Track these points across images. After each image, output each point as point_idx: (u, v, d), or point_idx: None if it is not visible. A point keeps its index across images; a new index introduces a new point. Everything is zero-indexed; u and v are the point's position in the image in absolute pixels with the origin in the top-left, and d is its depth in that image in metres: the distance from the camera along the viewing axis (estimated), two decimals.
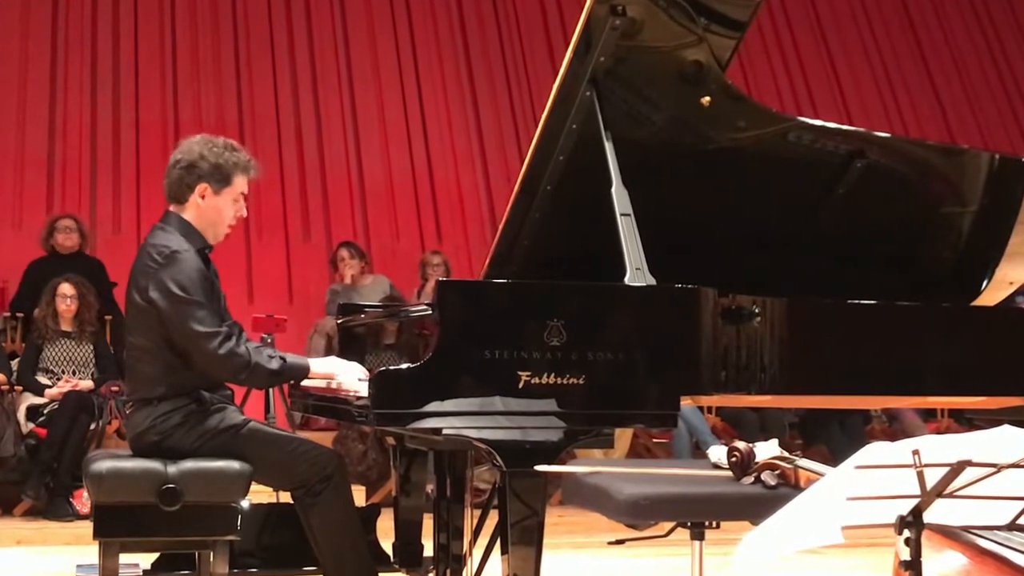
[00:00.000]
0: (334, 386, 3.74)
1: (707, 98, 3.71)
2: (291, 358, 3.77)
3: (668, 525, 3.37)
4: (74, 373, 7.37)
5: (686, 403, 3.40)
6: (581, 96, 3.58)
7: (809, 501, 2.29)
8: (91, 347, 7.47)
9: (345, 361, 3.81)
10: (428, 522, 4.20)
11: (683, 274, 3.34)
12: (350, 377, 3.69)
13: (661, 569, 5.75)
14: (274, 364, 3.69)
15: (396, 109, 10.40)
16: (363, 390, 3.50)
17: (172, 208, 3.87)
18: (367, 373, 3.70)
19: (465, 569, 4.03)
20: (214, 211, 3.83)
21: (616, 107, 3.63)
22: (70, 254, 8.20)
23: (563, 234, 3.81)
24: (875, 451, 2.22)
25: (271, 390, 6.53)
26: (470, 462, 3.97)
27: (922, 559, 2.31)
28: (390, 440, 4.24)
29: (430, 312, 3.35)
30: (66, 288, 7.41)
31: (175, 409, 3.74)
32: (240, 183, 3.85)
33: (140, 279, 3.74)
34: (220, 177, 3.81)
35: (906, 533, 2.30)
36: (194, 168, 3.80)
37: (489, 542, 3.89)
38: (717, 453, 3.48)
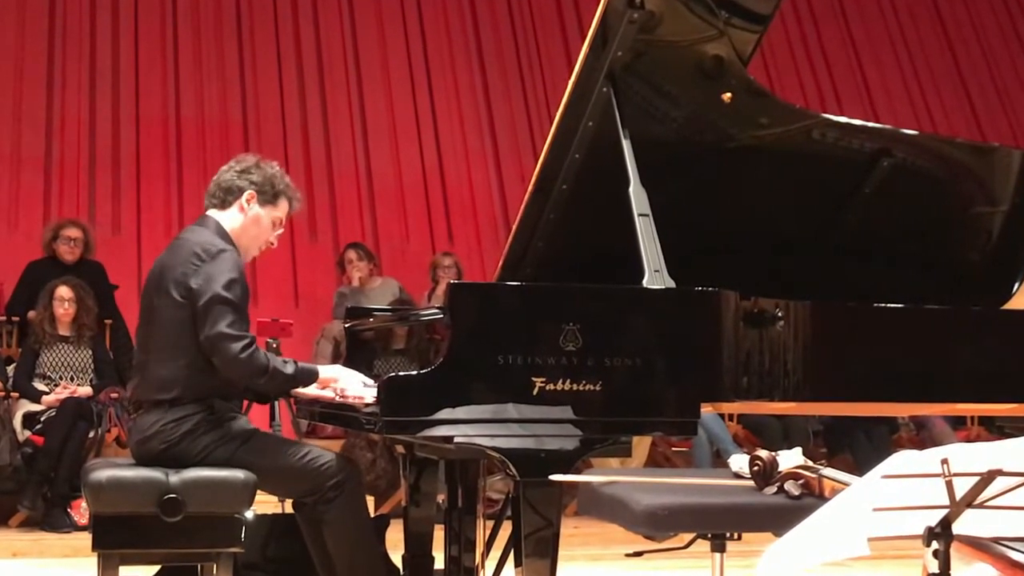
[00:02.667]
0: (338, 389, 3.70)
1: (728, 94, 3.69)
2: (300, 363, 3.77)
3: (688, 536, 3.37)
4: (72, 379, 7.27)
5: (706, 410, 3.35)
6: (598, 92, 3.55)
7: (834, 512, 2.27)
8: (90, 352, 7.38)
9: (347, 369, 3.80)
10: (439, 533, 4.17)
11: (703, 276, 3.31)
12: (354, 383, 3.67)
13: None
14: (289, 368, 3.70)
15: (406, 105, 10.35)
16: (368, 396, 3.49)
17: (210, 212, 3.91)
18: (370, 381, 3.68)
19: None
20: (255, 222, 3.89)
21: (634, 103, 3.60)
22: None
23: (579, 235, 3.78)
24: (902, 460, 2.21)
25: None
26: (482, 471, 3.94)
27: (951, 572, 2.29)
28: (399, 448, 4.24)
29: (441, 316, 3.35)
30: (64, 291, 7.32)
31: (187, 416, 3.71)
32: (283, 208, 3.95)
33: (179, 275, 3.73)
34: (270, 192, 3.90)
35: (934, 545, 2.29)
36: (249, 174, 3.90)
37: (502, 554, 3.84)
38: (738, 462, 3.45)
